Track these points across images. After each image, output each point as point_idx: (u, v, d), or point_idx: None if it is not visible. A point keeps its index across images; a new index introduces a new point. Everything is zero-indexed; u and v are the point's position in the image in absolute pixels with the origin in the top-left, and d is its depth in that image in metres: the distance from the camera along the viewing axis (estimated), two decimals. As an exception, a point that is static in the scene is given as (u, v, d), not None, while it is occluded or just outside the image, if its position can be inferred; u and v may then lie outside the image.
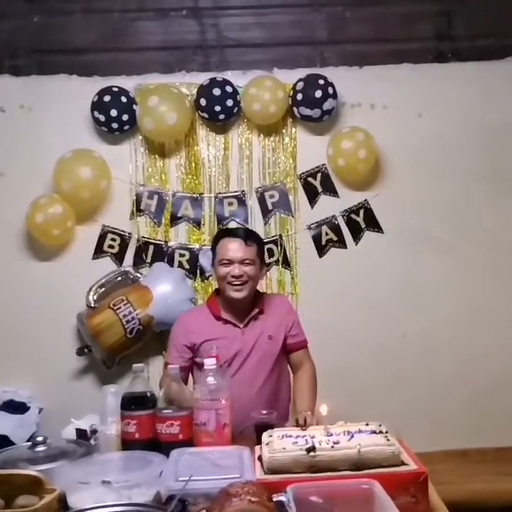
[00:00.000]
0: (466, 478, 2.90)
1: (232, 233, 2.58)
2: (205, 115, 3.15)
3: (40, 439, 1.90)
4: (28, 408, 2.99)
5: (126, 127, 3.13)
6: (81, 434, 2.06)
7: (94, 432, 2.04)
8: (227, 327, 2.53)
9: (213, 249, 2.58)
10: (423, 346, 3.26)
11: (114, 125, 3.11)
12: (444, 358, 3.25)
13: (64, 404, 2.62)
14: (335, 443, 1.68)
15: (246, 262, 2.47)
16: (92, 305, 3.07)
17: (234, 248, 2.49)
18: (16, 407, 2.97)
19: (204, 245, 3.20)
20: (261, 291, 2.72)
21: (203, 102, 3.11)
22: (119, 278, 3.16)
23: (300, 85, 3.13)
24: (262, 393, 2.48)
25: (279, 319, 2.58)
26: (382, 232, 3.26)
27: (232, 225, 3.21)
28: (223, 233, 2.63)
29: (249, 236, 2.55)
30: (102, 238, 3.19)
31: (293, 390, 2.58)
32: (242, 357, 2.50)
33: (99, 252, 3.19)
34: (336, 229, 3.25)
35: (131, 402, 1.96)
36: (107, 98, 3.09)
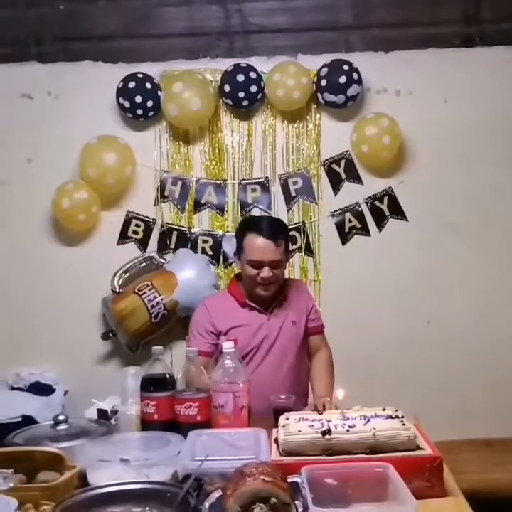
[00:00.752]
0: (489, 467, 2.88)
1: (261, 229, 2.44)
2: (229, 101, 3.15)
3: (61, 417, 1.95)
4: (54, 390, 3.05)
5: (150, 113, 3.14)
6: (102, 414, 2.09)
7: (114, 412, 2.08)
8: (252, 313, 2.53)
9: (239, 240, 2.52)
10: (445, 334, 3.23)
11: (139, 111, 3.12)
12: (468, 346, 3.21)
13: (89, 387, 2.63)
14: (350, 427, 1.68)
15: (275, 263, 2.43)
16: (117, 290, 3.10)
17: (264, 249, 2.41)
18: (42, 389, 3.03)
19: (227, 232, 3.22)
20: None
21: (226, 88, 3.11)
22: (144, 263, 3.18)
23: (324, 71, 3.10)
24: (287, 378, 2.50)
25: (300, 304, 2.59)
26: (406, 220, 3.23)
27: (256, 212, 3.22)
28: (252, 226, 2.50)
29: (277, 233, 2.46)
30: (126, 224, 3.22)
31: (311, 374, 2.59)
32: (269, 343, 2.50)
33: (123, 237, 3.23)
34: (359, 216, 3.24)
35: (151, 384, 1.99)
36: (131, 84, 3.10)
